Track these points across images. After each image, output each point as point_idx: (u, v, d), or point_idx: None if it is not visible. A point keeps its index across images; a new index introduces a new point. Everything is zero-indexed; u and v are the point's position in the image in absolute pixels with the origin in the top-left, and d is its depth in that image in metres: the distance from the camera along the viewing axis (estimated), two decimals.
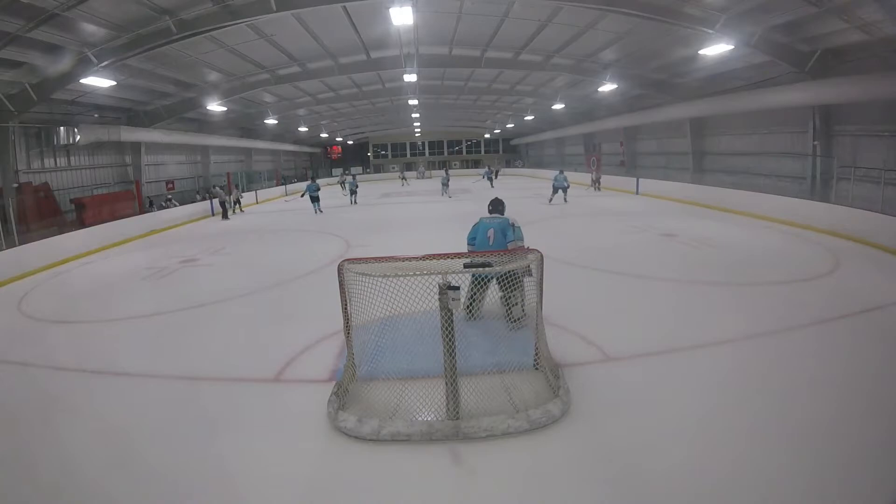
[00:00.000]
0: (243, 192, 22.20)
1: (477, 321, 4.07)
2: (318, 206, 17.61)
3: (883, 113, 10.63)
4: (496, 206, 5.41)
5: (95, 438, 3.54)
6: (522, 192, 22.27)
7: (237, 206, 20.00)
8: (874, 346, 4.58)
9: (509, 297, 4.66)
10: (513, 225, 5.08)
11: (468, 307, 4.02)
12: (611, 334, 4.96)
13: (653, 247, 9.50)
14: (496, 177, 33.30)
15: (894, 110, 10.34)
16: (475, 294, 3.98)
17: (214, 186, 19.97)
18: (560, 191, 17.10)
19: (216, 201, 18.74)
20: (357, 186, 21.40)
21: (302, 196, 17.95)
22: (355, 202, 20.44)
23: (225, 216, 18.01)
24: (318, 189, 17.87)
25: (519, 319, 4.75)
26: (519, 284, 4.45)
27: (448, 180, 22.99)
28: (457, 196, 22.23)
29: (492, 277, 3.84)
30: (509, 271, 3.99)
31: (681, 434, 3.25)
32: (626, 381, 4.06)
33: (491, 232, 4.96)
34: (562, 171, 17.65)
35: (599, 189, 21.24)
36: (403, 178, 34.07)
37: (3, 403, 4.19)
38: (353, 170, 41.97)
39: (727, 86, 14.35)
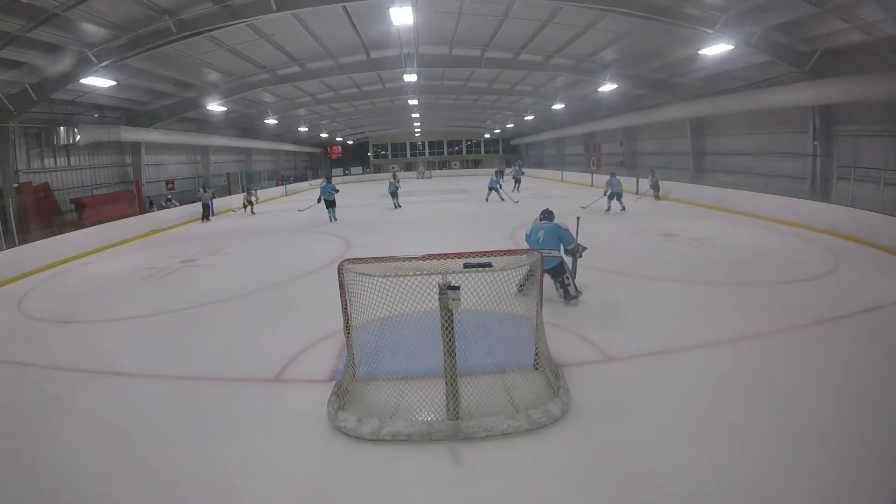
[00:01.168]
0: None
1: (521, 297, 4.41)
2: (334, 212, 15.18)
3: (883, 113, 10.63)
4: (546, 214, 6.31)
5: (95, 438, 3.54)
6: (525, 191, 22.23)
7: (250, 207, 19.08)
8: (874, 346, 4.58)
9: (562, 280, 5.81)
10: (565, 229, 6.00)
11: (521, 285, 4.41)
12: (611, 334, 4.97)
13: (653, 247, 9.50)
14: (501, 177, 32.22)
15: (894, 110, 10.33)
16: (530, 276, 4.23)
17: (202, 188, 18.69)
18: (616, 197, 14.33)
19: (209, 202, 17.95)
20: (398, 188, 18.91)
21: (319, 201, 15.17)
22: (399, 205, 18.13)
23: (206, 218, 17.31)
24: (336, 191, 15.39)
25: (575, 297, 5.86)
26: (564, 269, 5.82)
27: (499, 184, 18.85)
28: (461, 197, 22.16)
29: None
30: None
31: (681, 434, 3.25)
32: (626, 381, 4.06)
33: (541, 233, 5.92)
34: (614, 175, 14.95)
35: (660, 198, 17.18)
36: (394, 179, 31.21)
37: (3, 403, 4.19)
38: (354, 170, 41.78)
39: (727, 86, 14.35)
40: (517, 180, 23.18)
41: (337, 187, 15.60)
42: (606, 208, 14.41)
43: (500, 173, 19.61)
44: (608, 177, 15.04)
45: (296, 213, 17.28)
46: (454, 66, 16.66)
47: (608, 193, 14.43)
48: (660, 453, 3.04)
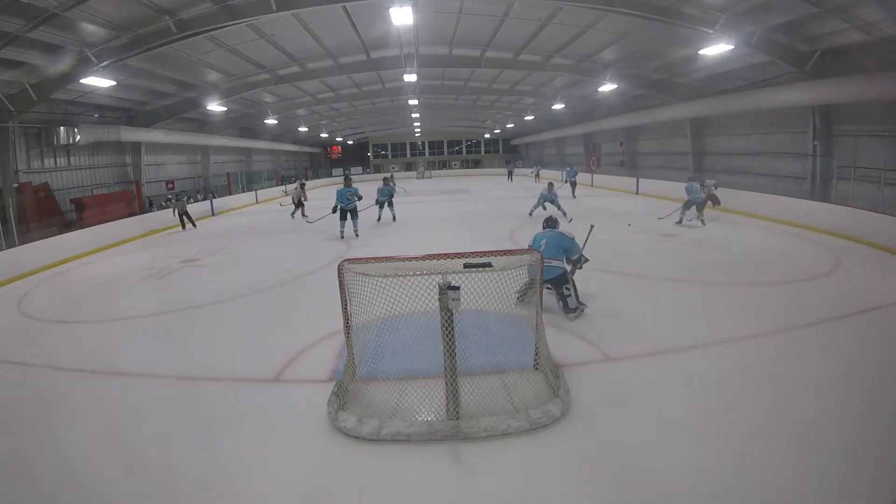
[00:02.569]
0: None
1: (522, 305, 4.50)
2: (356, 224, 11.44)
3: (883, 113, 10.63)
4: (550, 222, 6.18)
5: (95, 438, 3.54)
6: (526, 191, 22.24)
7: (301, 209, 15.95)
8: (874, 346, 4.58)
9: (562, 291, 5.52)
10: (570, 238, 5.77)
11: (522, 294, 4.44)
12: (611, 334, 4.97)
13: (653, 247, 9.50)
14: (511, 178, 31.06)
15: (894, 110, 10.33)
16: (531, 285, 4.36)
17: (180, 195, 15.89)
18: (695, 207, 11.51)
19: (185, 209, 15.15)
20: (393, 195, 14.30)
21: (335, 211, 11.46)
22: (394, 218, 14.01)
23: (184, 226, 15.05)
24: (358, 198, 11.28)
25: (575, 310, 5.46)
26: (566, 279, 5.51)
27: (553, 197, 13.81)
28: (461, 197, 22.09)
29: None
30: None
31: (681, 434, 3.25)
32: (626, 381, 4.06)
33: (544, 241, 5.74)
34: (693, 180, 12.00)
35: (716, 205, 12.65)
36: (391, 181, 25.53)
37: (3, 403, 4.19)
38: (355, 170, 41.11)
39: (727, 86, 14.34)
40: (573, 184, 19.33)
41: (360, 192, 11.49)
42: (678, 220, 11.66)
43: (540, 174, 14.74)
44: (686, 183, 11.83)
45: (299, 214, 15.94)
46: (454, 66, 16.64)
47: (686, 202, 11.63)
48: (660, 453, 3.04)
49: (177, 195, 15.83)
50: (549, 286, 5.51)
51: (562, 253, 5.63)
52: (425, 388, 3.61)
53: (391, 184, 14.67)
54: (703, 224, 11.30)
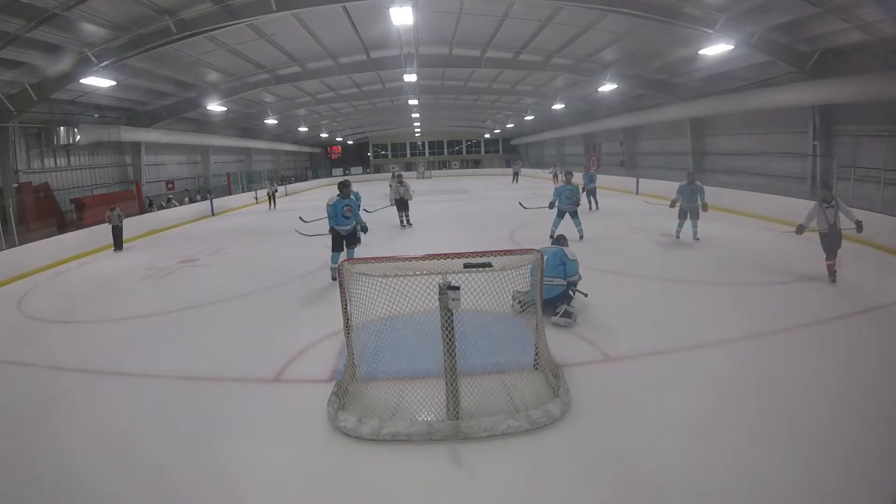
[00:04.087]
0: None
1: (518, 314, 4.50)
2: (351, 255, 7.57)
3: (883, 113, 10.63)
4: (559, 240, 6.13)
5: (95, 438, 3.54)
6: (530, 192, 22.21)
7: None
8: (874, 346, 4.58)
9: (555, 306, 5.30)
10: (573, 259, 5.56)
11: (520, 303, 4.43)
12: (611, 334, 4.97)
13: (652, 247, 9.49)
14: (516, 180, 28.31)
15: (894, 110, 10.33)
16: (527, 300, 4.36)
17: (114, 207, 12.27)
18: (689, 214, 9.38)
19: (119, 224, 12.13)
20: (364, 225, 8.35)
21: (332, 230, 7.54)
22: (359, 240, 8.43)
23: (118, 247, 12.18)
24: (346, 213, 7.42)
25: (560, 315, 5.24)
26: (564, 299, 5.37)
27: (572, 190, 10.03)
28: (461, 197, 22.09)
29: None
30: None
31: (681, 434, 3.25)
32: (626, 381, 4.06)
33: (545, 256, 5.54)
34: (695, 182, 9.47)
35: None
36: (399, 183, 22.61)
37: (3, 403, 4.19)
38: (355, 170, 41.29)
39: (727, 86, 14.35)
40: (592, 191, 14.81)
41: (354, 203, 7.71)
42: (676, 234, 9.68)
43: (561, 175, 10.92)
44: (683, 185, 9.44)
45: (289, 210, 15.42)
46: (454, 66, 16.66)
47: (680, 210, 9.48)
48: (660, 453, 3.04)
49: (111, 207, 12.40)
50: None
51: (561, 271, 5.39)
52: (425, 388, 3.61)
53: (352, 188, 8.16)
54: (698, 239, 9.40)
